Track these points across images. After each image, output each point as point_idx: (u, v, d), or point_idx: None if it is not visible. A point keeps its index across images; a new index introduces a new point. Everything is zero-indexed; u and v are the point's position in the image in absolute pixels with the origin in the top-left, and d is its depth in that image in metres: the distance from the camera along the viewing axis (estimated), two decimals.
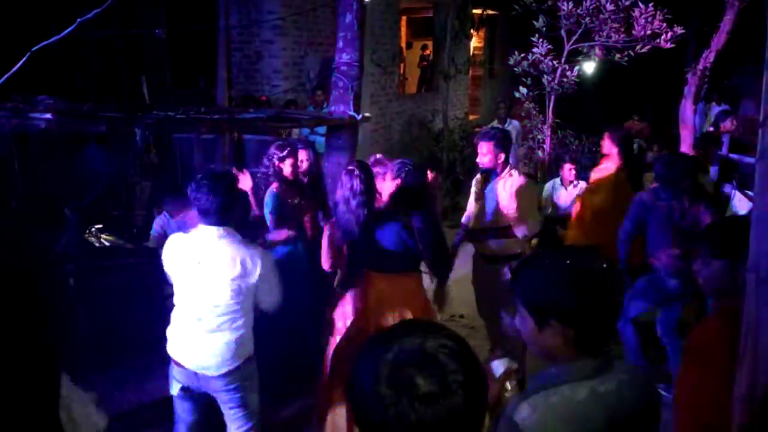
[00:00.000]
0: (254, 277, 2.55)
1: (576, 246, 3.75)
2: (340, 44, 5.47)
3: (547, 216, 5.66)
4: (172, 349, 2.66)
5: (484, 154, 3.64)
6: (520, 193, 3.62)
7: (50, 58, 5.48)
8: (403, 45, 12.50)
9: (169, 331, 2.68)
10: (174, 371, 2.69)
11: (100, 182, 5.23)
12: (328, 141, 5.66)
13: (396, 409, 0.88)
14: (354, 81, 5.50)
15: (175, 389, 2.73)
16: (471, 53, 12.94)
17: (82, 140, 4.97)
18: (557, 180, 5.83)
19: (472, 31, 10.39)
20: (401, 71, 11.76)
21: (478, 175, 3.92)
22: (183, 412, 2.76)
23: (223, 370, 2.58)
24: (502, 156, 3.65)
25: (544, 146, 6.83)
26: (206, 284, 2.54)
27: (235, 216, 2.59)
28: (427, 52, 13.57)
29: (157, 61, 7.65)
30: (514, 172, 3.70)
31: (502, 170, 3.68)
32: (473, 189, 4.01)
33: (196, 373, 2.61)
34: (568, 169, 5.72)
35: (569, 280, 1.32)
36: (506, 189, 3.64)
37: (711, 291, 1.90)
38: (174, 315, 2.69)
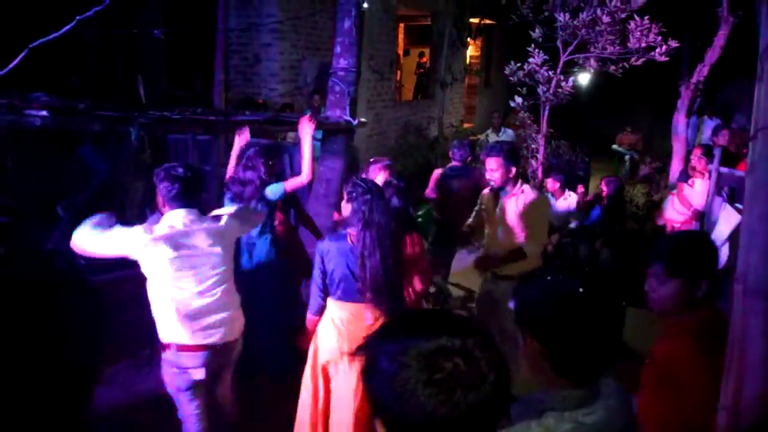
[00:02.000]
0: (228, 231, 2.80)
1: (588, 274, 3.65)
2: (338, 49, 5.50)
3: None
4: (196, 336, 2.65)
5: (494, 170, 3.44)
6: (531, 210, 3.43)
7: (48, 56, 5.46)
8: (401, 52, 12.55)
9: (179, 323, 2.63)
10: (195, 360, 2.66)
11: (94, 181, 5.21)
12: (323, 145, 5.67)
13: (436, 400, 0.89)
14: (351, 86, 5.53)
15: (194, 378, 2.69)
16: (467, 62, 13.00)
17: (77, 138, 4.95)
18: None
19: (468, 39, 10.43)
20: (398, 78, 11.79)
21: (486, 191, 3.74)
22: (195, 405, 2.76)
23: (242, 329, 2.82)
24: (513, 170, 3.45)
25: (538, 155, 6.85)
26: (200, 261, 2.65)
27: (199, 198, 2.82)
28: (424, 59, 13.62)
29: (154, 61, 7.63)
30: (526, 187, 3.49)
31: (514, 186, 3.49)
32: (480, 206, 3.81)
33: (224, 346, 2.72)
34: (552, 182, 5.75)
35: (549, 296, 1.31)
36: (518, 206, 3.46)
37: (666, 310, 1.82)
38: (173, 305, 2.64)
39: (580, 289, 1.29)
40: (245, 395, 3.17)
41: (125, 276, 4.08)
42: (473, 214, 3.92)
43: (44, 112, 3.69)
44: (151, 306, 2.71)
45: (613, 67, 6.49)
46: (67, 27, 2.50)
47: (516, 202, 3.46)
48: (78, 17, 2.51)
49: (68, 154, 5.02)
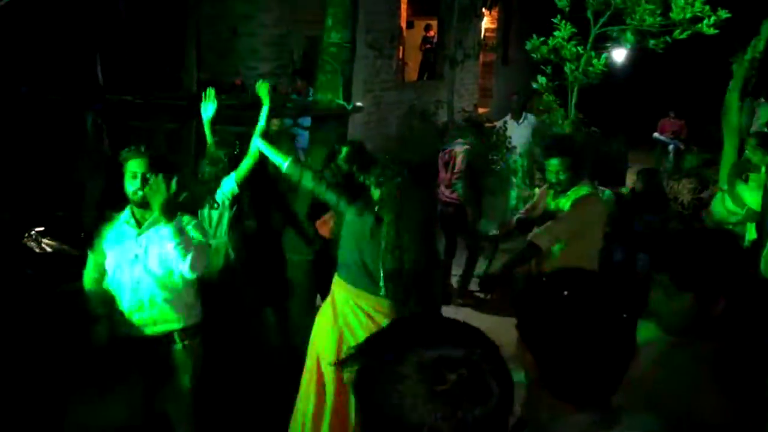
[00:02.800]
0: None
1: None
2: (330, 22, 5.50)
3: None
4: None
5: (563, 171, 3.59)
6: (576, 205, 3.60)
7: None
8: (403, 24, 12.53)
9: None
10: None
11: (42, 178, 5.21)
12: (313, 134, 5.67)
13: (438, 415, 0.92)
14: (344, 65, 5.53)
15: None
16: (482, 36, 12.99)
17: (21, 128, 4.95)
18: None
19: (483, 9, 10.44)
20: (400, 55, 11.78)
21: (545, 187, 3.94)
22: None
23: None
24: (577, 169, 3.65)
25: None
26: None
27: None
28: (431, 33, 13.60)
29: (114, 38, 7.63)
30: (587, 187, 3.69)
31: (575, 187, 3.66)
32: (539, 200, 3.99)
33: None
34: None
35: (541, 301, 1.31)
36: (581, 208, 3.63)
37: (675, 329, 1.75)
38: None
39: (584, 295, 1.28)
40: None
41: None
42: (526, 208, 4.05)
43: None
44: None
45: (653, 42, 6.49)
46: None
47: (570, 203, 3.60)
48: None
49: (10, 146, 5.02)
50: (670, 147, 11.57)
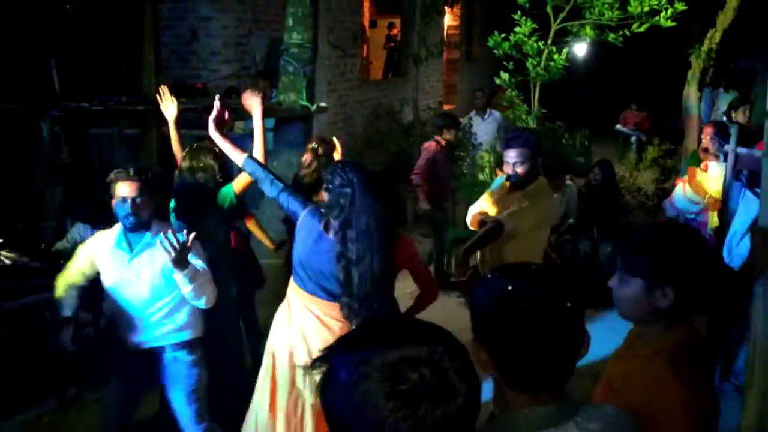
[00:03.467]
0: None
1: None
2: (290, 22, 5.48)
3: None
4: None
5: (520, 162, 3.50)
6: (534, 196, 3.57)
7: None
8: (366, 23, 12.54)
9: None
10: None
11: (1, 187, 5.09)
12: (277, 136, 5.64)
13: (399, 414, 0.92)
14: (306, 65, 5.52)
15: None
16: (445, 33, 13.06)
17: None
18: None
19: (445, 6, 10.48)
20: (364, 54, 11.78)
21: (503, 181, 3.82)
22: None
23: None
24: (537, 163, 3.57)
25: None
26: None
27: None
28: (395, 31, 13.64)
29: (69, 41, 7.48)
30: (544, 181, 3.65)
31: (533, 181, 3.59)
32: (492, 196, 3.86)
33: None
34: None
35: (492, 296, 1.34)
36: (536, 204, 3.56)
37: (629, 316, 1.78)
38: None
39: (532, 288, 1.32)
40: None
41: (43, 300, 4.01)
42: (476, 206, 3.93)
43: None
44: None
45: (612, 36, 6.57)
46: None
47: (530, 198, 3.53)
48: None
49: None
50: (633, 138, 11.77)
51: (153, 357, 3.19)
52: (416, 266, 3.23)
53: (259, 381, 3.10)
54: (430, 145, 6.37)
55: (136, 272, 3.07)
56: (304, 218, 2.91)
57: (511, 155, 3.51)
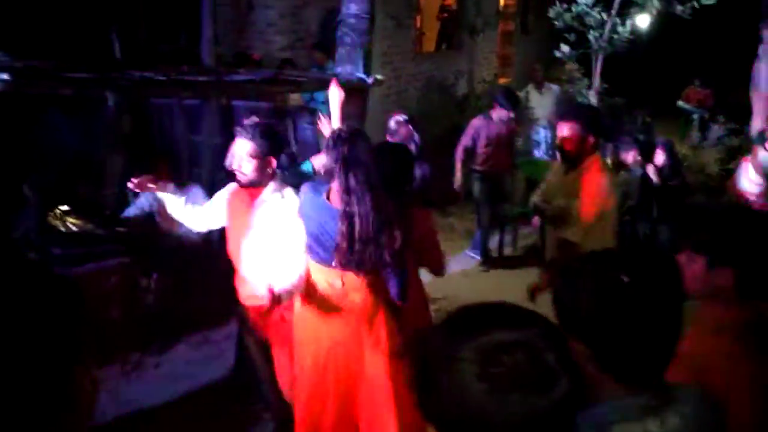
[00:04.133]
0: None
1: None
2: None
3: None
4: None
5: (567, 137, 3.38)
6: (594, 194, 3.38)
7: (2, 6, 5.44)
8: None
9: None
10: None
11: (65, 155, 5.24)
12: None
13: (490, 399, 0.91)
14: (364, 36, 5.47)
15: None
16: (500, 4, 12.79)
17: (43, 105, 4.96)
18: (607, 161, 5.79)
19: None
20: (418, 25, 11.64)
21: (557, 162, 3.74)
22: None
23: None
24: (591, 141, 3.39)
25: None
26: None
27: None
28: (449, 1, 13.41)
29: (129, 11, 7.60)
30: (600, 159, 3.46)
31: (586, 159, 3.41)
32: (550, 180, 3.79)
33: None
34: (633, 157, 5.66)
35: (587, 290, 1.30)
36: (587, 184, 3.39)
37: (694, 292, 1.78)
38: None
39: (625, 277, 1.28)
40: None
41: (108, 267, 4.14)
42: (538, 189, 3.87)
43: (5, 75, 3.71)
44: None
45: (680, 8, 6.35)
46: None
47: (585, 177, 3.40)
48: None
49: (33, 123, 5.04)
50: (695, 116, 11.40)
51: (262, 314, 3.17)
52: (429, 241, 3.20)
53: (305, 385, 3.01)
54: (473, 122, 6.23)
55: (254, 228, 3.10)
56: (304, 197, 2.90)
57: (561, 129, 3.41)
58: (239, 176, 3.03)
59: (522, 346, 0.94)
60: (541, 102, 7.57)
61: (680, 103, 11.70)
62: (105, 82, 3.74)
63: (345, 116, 5.41)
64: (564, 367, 0.94)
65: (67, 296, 1.31)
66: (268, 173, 3.05)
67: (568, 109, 3.56)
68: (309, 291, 2.94)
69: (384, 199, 2.76)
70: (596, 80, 6.73)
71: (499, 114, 5.99)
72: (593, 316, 1.28)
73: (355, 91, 5.43)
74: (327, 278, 2.88)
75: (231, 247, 3.23)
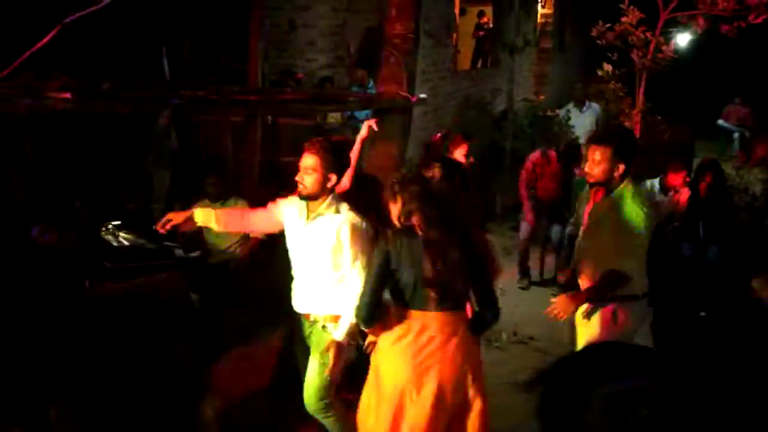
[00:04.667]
0: None
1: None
2: (393, 13, 5.49)
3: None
4: None
5: (597, 162, 3.26)
6: (630, 217, 3.26)
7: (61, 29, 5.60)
8: (457, 11, 12.44)
9: None
10: None
11: (115, 171, 5.37)
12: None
13: None
14: (408, 56, 5.52)
15: None
16: (538, 21, 12.81)
17: (98, 123, 5.10)
18: (656, 182, 5.74)
19: None
20: (454, 43, 11.71)
21: (587, 190, 3.65)
22: None
23: None
24: (622, 168, 3.24)
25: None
26: None
27: None
28: (485, 19, 13.46)
29: (174, 30, 7.78)
30: (630, 188, 3.28)
31: (617, 186, 3.28)
32: (581, 205, 3.73)
33: None
34: (674, 177, 5.62)
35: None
36: (614, 212, 3.29)
37: None
38: None
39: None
40: None
41: (158, 281, 4.21)
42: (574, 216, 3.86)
43: (67, 95, 3.82)
44: None
45: (726, 27, 6.29)
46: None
47: (611, 207, 3.30)
48: None
49: (87, 140, 5.19)
50: (735, 135, 11.22)
51: (309, 321, 3.30)
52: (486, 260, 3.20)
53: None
54: (531, 157, 6.31)
55: (308, 239, 3.18)
56: (397, 243, 2.88)
57: (593, 153, 3.29)
58: (300, 188, 3.11)
59: (660, 398, 0.90)
60: (581, 121, 7.55)
61: (720, 121, 11.54)
62: (160, 101, 3.83)
63: (389, 135, 5.48)
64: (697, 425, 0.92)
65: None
66: (327, 188, 3.12)
67: (599, 132, 3.44)
68: (403, 335, 2.91)
69: (466, 228, 2.83)
70: (640, 99, 6.69)
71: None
72: None
73: (397, 110, 5.49)
74: (428, 323, 2.87)
75: (291, 257, 3.32)
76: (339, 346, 3.14)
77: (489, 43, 12.75)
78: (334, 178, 3.11)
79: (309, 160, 3.08)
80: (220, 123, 5.62)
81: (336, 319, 3.20)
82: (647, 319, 3.74)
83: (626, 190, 3.28)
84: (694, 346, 4.56)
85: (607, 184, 3.30)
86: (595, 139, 3.36)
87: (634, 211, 3.24)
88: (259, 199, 5.67)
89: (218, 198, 4.78)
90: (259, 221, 3.49)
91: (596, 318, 3.31)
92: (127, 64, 6.00)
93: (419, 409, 2.85)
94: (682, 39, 7.63)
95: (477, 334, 3.06)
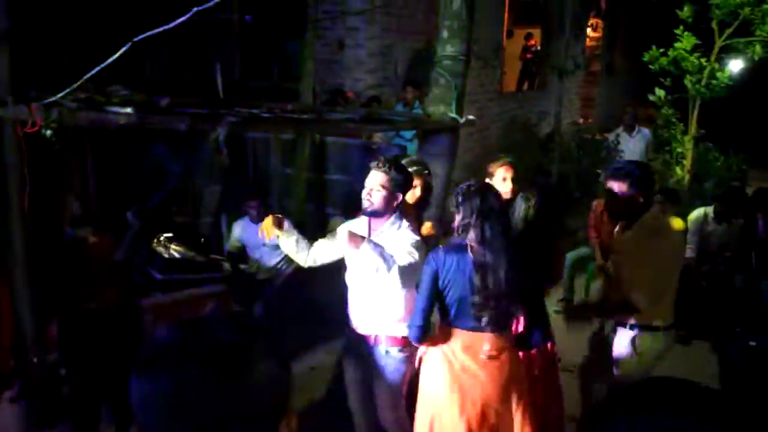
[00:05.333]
0: None
1: None
2: (445, 34, 5.51)
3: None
4: None
5: (615, 194, 3.25)
6: (646, 245, 3.24)
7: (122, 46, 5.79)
8: (504, 34, 12.46)
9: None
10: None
11: (167, 184, 5.49)
12: (424, 147, 5.70)
13: None
14: (459, 77, 5.54)
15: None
16: (586, 44, 12.74)
17: (153, 137, 5.24)
18: (710, 210, 5.60)
19: (594, 19, 10.24)
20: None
21: (618, 227, 3.57)
22: None
23: None
24: (640, 199, 3.24)
25: (684, 162, 6.59)
26: None
27: None
28: (532, 42, 13.45)
29: (227, 49, 7.97)
30: (652, 221, 3.30)
31: (638, 218, 3.27)
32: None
33: None
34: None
35: None
36: (635, 241, 3.27)
37: None
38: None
39: None
40: None
41: (206, 294, 4.29)
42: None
43: (129, 109, 3.93)
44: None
45: None
46: (183, 18, 2.65)
47: (632, 237, 3.29)
48: (196, 8, 2.66)
49: (143, 154, 5.33)
50: None
51: (368, 345, 3.24)
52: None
53: None
54: (595, 205, 6.13)
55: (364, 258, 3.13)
56: (443, 262, 2.90)
57: (611, 187, 3.28)
58: (365, 204, 3.12)
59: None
60: (631, 146, 7.44)
61: None
62: (216, 118, 3.92)
63: (435, 153, 5.49)
64: None
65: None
66: (392, 207, 3.13)
67: (617, 166, 3.42)
68: (448, 353, 2.95)
69: (520, 249, 2.82)
70: (692, 125, 6.58)
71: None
72: None
73: (445, 131, 5.50)
74: (469, 342, 2.90)
75: (348, 275, 3.31)
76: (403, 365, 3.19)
77: (536, 66, 12.72)
78: (400, 197, 3.14)
79: (378, 177, 3.09)
80: (270, 140, 5.71)
81: (398, 342, 3.18)
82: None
83: (650, 220, 3.30)
84: (745, 377, 4.43)
85: (629, 216, 3.30)
86: (614, 174, 3.32)
87: (656, 242, 3.25)
88: (304, 215, 5.76)
89: (260, 219, 4.85)
90: (326, 252, 3.41)
91: (618, 343, 3.38)
92: (183, 81, 6.16)
93: (458, 426, 2.87)
94: (735, 65, 7.50)
95: (524, 350, 3.07)
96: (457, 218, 2.91)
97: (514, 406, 2.90)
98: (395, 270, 2.90)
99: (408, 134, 7.34)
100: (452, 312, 2.89)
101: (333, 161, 6.08)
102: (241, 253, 5.00)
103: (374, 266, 2.91)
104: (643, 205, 3.27)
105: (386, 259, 2.91)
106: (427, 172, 3.76)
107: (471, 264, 2.82)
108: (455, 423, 2.87)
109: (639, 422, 0.95)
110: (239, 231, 4.92)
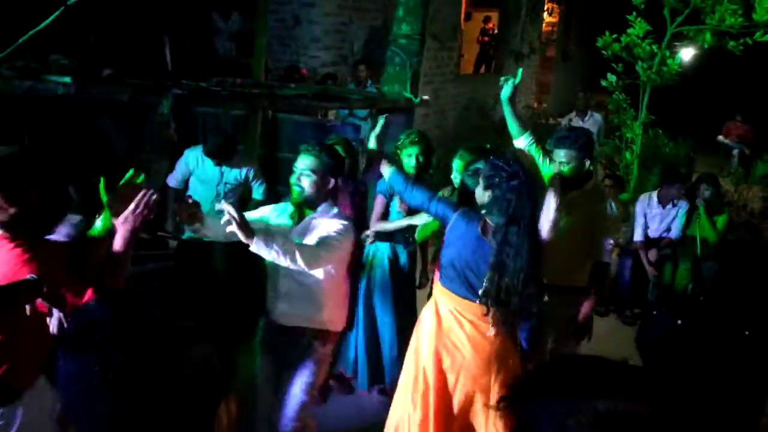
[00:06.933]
0: None
1: None
2: (401, 12, 5.48)
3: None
4: None
5: (566, 163, 3.35)
6: (598, 211, 3.48)
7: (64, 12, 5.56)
8: (462, 16, 12.42)
9: None
10: None
11: (112, 159, 5.31)
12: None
13: None
14: (414, 57, 5.51)
15: None
16: (542, 30, 12.81)
17: (97, 109, 5.05)
18: (654, 195, 5.72)
19: (548, 3, 10.29)
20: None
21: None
22: None
23: None
24: (587, 164, 3.42)
25: (634, 147, 6.69)
26: None
27: None
28: (490, 25, 13.45)
29: (176, 21, 7.73)
30: (595, 184, 3.50)
31: (583, 184, 3.46)
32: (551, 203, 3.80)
33: None
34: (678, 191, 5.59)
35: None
36: (585, 209, 3.41)
37: None
38: None
39: None
40: None
41: (152, 271, 4.17)
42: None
43: (67, 79, 3.78)
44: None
45: (732, 44, 6.29)
46: None
47: (580, 204, 3.39)
48: None
49: (86, 126, 5.13)
50: (735, 151, 11.25)
51: (295, 337, 3.02)
52: None
53: (403, 391, 3.07)
54: None
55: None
56: (456, 222, 2.90)
57: (558, 156, 3.38)
58: (296, 191, 2.91)
59: (653, 423, 0.87)
60: None
61: (720, 137, 11.57)
62: (161, 90, 3.79)
63: (389, 136, 5.45)
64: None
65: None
66: (323, 192, 2.94)
67: (563, 135, 3.49)
68: (439, 315, 2.98)
69: (540, 251, 2.80)
70: (642, 111, 6.68)
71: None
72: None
73: (400, 111, 5.46)
74: (457, 307, 2.92)
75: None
76: (322, 361, 3.06)
77: (493, 49, 12.73)
78: (331, 181, 2.93)
79: (308, 161, 2.88)
80: (221, 115, 5.56)
81: (322, 335, 3.00)
82: None
83: (593, 186, 3.57)
84: (668, 355, 4.57)
85: (577, 181, 3.42)
86: (562, 142, 3.42)
87: (603, 207, 3.56)
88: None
89: None
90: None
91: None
92: (128, 51, 5.94)
93: (441, 382, 2.95)
94: (686, 54, 7.63)
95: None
96: (481, 192, 2.86)
97: (497, 386, 2.89)
98: (301, 259, 2.65)
99: (362, 113, 7.28)
100: (442, 272, 2.95)
101: (286, 139, 5.97)
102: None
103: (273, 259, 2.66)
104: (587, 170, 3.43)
105: (286, 252, 2.62)
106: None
107: (480, 245, 2.81)
108: (438, 378, 2.94)
109: (557, 403, 0.92)
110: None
